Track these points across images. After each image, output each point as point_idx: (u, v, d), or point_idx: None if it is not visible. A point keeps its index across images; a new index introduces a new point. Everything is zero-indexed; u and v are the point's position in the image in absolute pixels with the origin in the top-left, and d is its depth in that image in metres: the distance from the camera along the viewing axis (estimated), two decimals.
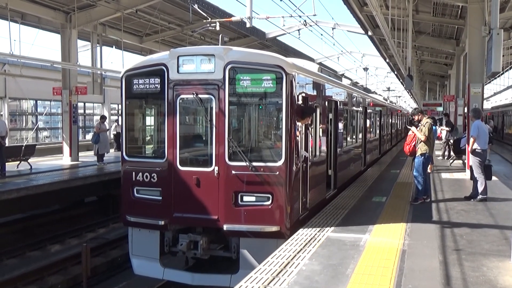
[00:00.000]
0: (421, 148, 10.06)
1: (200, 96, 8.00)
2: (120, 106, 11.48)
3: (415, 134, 10.25)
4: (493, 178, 11.68)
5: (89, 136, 26.50)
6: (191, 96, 8.05)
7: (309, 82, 9.22)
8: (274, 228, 7.67)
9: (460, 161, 17.46)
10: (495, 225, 8.32)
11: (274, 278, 5.61)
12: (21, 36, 18.94)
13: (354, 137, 14.78)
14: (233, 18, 17.17)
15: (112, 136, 24.43)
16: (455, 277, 5.64)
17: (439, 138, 28.81)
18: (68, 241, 13.29)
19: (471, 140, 10.28)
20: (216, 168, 7.88)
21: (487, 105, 50.70)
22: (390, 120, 27.69)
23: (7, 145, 16.35)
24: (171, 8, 20.30)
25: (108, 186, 15.44)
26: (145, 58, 9.16)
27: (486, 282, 5.50)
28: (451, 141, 18.80)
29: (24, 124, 26.28)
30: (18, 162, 16.45)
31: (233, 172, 7.80)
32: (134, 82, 8.54)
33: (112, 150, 21.83)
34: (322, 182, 10.22)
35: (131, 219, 8.52)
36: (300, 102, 8.20)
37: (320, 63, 26.00)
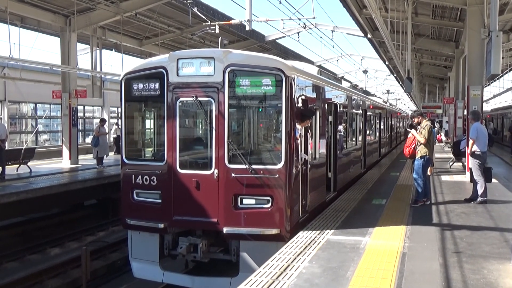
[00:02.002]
0: (421, 151, 10.06)
1: (199, 99, 7.99)
2: (119, 109, 11.50)
3: (415, 137, 10.25)
4: (493, 180, 11.67)
5: (88, 139, 26.50)
6: (191, 99, 8.05)
7: (309, 85, 9.22)
8: (274, 231, 7.66)
9: (460, 164, 17.45)
10: (495, 227, 8.31)
11: (274, 281, 5.60)
12: (21, 39, 19.01)
13: (354, 139, 14.78)
14: (232, 21, 17.23)
15: (112, 139, 24.43)
16: (456, 280, 5.63)
17: (439, 141, 28.80)
18: (67, 244, 13.26)
19: (471, 142, 10.28)
20: (216, 171, 7.87)
21: (486, 107, 50.69)
22: (390, 123, 27.69)
23: (6, 148, 16.32)
24: (171, 11, 20.32)
25: (108, 189, 15.43)
26: (145, 61, 9.15)
27: (487, 285, 5.49)
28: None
29: (23, 128, 26.29)
30: (18, 165, 16.46)
31: (233, 175, 7.79)
32: (134, 85, 8.54)
33: (111, 153, 21.83)
34: (322, 185, 10.22)
35: (130, 222, 8.51)
36: (299, 104, 8.20)
37: (319, 66, 26.00)
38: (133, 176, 8.47)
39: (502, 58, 17.23)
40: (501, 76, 38.73)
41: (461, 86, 23.62)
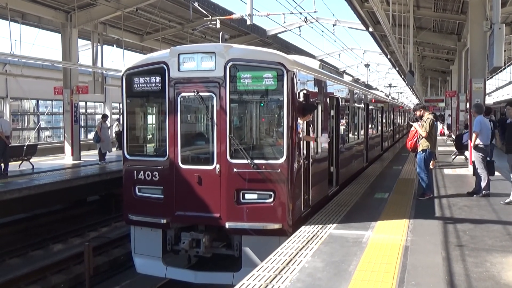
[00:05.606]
0: (423, 144, 10.03)
1: (201, 94, 7.97)
2: (121, 104, 11.51)
3: (417, 130, 10.21)
4: (496, 173, 11.64)
5: (90, 136, 26.55)
6: (192, 94, 8.03)
7: (310, 79, 9.18)
8: (276, 226, 7.66)
9: (463, 157, 17.41)
10: (498, 220, 8.29)
11: (276, 276, 5.60)
12: (22, 36, 19.01)
13: (356, 133, 14.75)
14: (233, 16, 17.18)
15: (113, 135, 24.45)
16: (458, 273, 5.62)
17: (441, 134, 28.72)
18: (70, 240, 13.29)
19: (474, 135, 10.23)
20: (218, 166, 7.86)
21: (489, 100, 50.53)
22: (392, 117, 27.65)
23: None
24: (172, 6, 20.28)
25: (110, 185, 15.44)
26: (146, 57, 9.13)
27: (490, 278, 5.48)
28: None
29: (26, 124, 26.32)
30: (20, 162, 16.48)
31: (235, 169, 7.77)
32: (135, 81, 8.52)
33: (114, 149, 21.84)
34: (324, 179, 10.20)
35: (133, 217, 8.51)
36: (301, 99, 8.18)
37: (321, 60, 25.93)
38: (135, 171, 8.46)
39: (505, 50, 17.16)
40: (503, 69, 38.59)
41: (463, 79, 23.54)
